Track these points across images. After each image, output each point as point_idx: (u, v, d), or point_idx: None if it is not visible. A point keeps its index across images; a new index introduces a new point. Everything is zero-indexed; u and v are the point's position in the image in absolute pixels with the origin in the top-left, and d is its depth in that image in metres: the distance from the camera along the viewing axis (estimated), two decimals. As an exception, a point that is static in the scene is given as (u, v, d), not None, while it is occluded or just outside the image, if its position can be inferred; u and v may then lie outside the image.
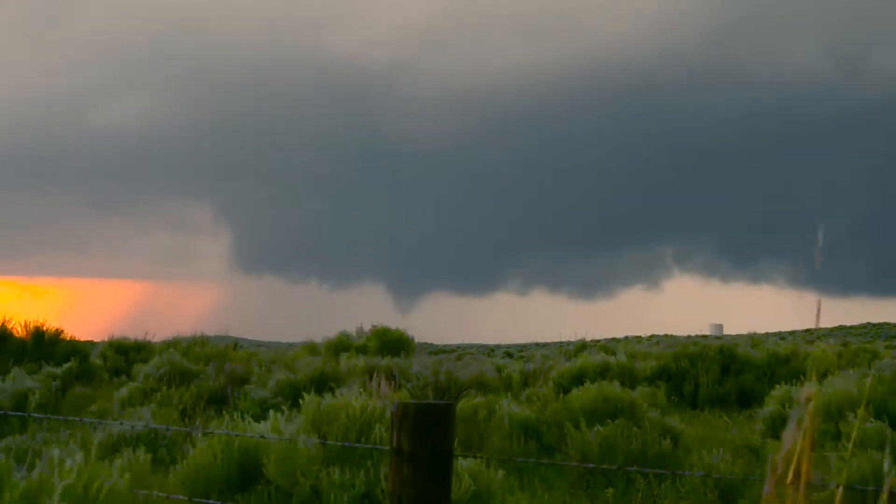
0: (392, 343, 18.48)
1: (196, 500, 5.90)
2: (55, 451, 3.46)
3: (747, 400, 15.05)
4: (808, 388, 1.75)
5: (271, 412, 6.58)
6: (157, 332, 22.10)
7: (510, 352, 47.39)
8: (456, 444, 3.30)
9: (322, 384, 11.60)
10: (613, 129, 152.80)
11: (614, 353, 20.41)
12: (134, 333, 19.63)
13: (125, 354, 18.71)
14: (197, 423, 10.29)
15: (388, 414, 6.18)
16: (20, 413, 7.87)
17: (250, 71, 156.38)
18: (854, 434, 8.78)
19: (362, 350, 17.90)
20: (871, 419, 8.69)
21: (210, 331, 17.62)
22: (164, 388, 12.20)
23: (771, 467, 1.74)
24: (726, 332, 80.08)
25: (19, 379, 13.22)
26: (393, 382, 12.50)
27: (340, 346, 18.71)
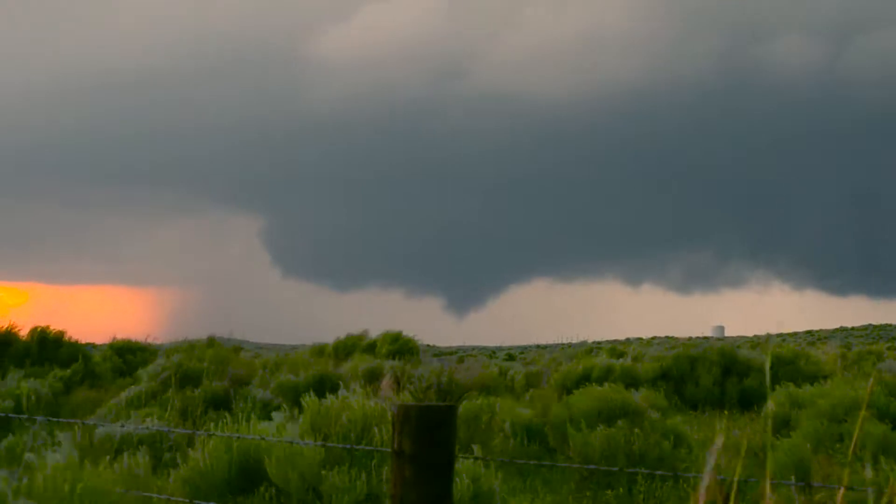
0: (399, 346, 18.53)
1: (197, 502, 5.90)
2: (38, 453, 3.46)
3: (749, 402, 15.04)
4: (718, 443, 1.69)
5: (273, 414, 6.58)
6: (160, 335, 22.10)
7: (512, 354, 47.30)
8: (457, 445, 3.30)
9: (324, 386, 11.60)
10: (616, 136, 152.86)
11: (618, 356, 20.41)
12: (136, 336, 19.66)
13: (127, 357, 18.71)
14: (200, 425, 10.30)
15: (388, 415, 6.18)
16: (22, 416, 7.87)
17: (272, 71, 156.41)
18: (856, 436, 8.76)
19: (369, 353, 17.94)
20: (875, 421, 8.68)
21: (215, 333, 17.59)
22: (168, 390, 12.20)
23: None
24: (727, 334, 79.99)
25: (22, 381, 13.24)
26: (397, 385, 12.50)
27: (346, 348, 18.75)
